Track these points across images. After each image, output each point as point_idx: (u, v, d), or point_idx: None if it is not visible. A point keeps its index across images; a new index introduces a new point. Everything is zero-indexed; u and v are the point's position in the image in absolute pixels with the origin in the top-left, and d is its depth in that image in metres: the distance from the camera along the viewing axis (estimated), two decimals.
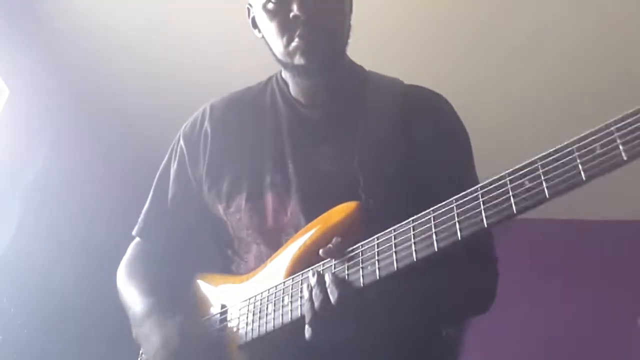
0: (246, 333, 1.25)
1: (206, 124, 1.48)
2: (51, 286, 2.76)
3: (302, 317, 1.15)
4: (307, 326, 1.12)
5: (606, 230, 3.79)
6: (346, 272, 1.11)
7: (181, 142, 1.51)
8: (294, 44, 1.29)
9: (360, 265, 1.10)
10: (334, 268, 1.14)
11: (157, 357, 1.27)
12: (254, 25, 1.42)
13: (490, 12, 2.86)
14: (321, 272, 1.15)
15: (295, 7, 1.26)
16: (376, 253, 1.09)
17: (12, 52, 2.81)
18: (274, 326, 1.20)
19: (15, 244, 2.71)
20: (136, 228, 1.55)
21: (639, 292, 3.51)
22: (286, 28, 1.30)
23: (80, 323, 2.88)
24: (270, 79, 1.51)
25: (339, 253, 1.14)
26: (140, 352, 1.47)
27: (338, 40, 1.35)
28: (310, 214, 1.26)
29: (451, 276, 1.23)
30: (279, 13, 1.30)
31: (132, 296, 1.43)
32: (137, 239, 1.58)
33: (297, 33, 1.28)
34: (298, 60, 1.30)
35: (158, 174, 1.56)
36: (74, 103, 3.22)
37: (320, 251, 1.15)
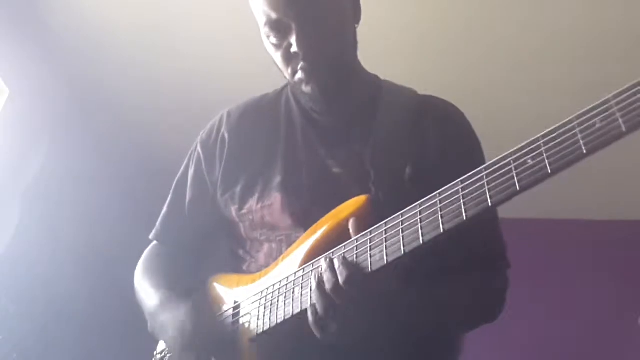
0: (257, 326, 1.27)
1: (223, 130, 1.51)
2: (51, 285, 2.77)
3: (311, 306, 1.16)
4: (314, 316, 1.13)
5: (606, 230, 3.80)
6: (355, 259, 1.13)
7: (198, 148, 1.55)
8: (297, 76, 1.33)
9: (369, 252, 1.11)
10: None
11: (176, 343, 1.29)
12: None
13: (479, 9, 2.88)
14: (331, 257, 1.16)
15: (293, 44, 1.29)
16: (384, 239, 1.10)
17: (12, 52, 2.82)
18: (284, 317, 1.22)
19: (15, 243, 2.71)
20: (153, 232, 1.60)
21: (639, 292, 3.52)
22: (289, 61, 1.33)
23: (80, 322, 2.88)
24: (286, 85, 1.53)
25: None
26: (155, 352, 1.50)
27: (343, 62, 1.36)
28: (321, 214, 1.28)
29: (460, 283, 1.26)
30: (280, 47, 1.32)
31: (147, 292, 1.47)
32: (154, 242, 1.62)
33: (299, 66, 1.31)
34: (305, 88, 1.34)
35: (176, 180, 1.60)
36: (74, 103, 3.23)
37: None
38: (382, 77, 1.51)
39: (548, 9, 2.82)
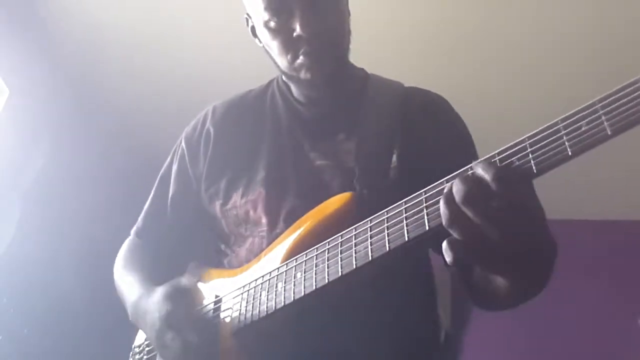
0: (239, 320, 1.26)
1: (208, 124, 1.51)
2: (51, 286, 2.76)
3: (294, 301, 1.15)
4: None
5: (606, 230, 3.79)
6: (339, 255, 1.11)
7: (183, 143, 1.54)
8: (299, 61, 1.31)
9: (354, 249, 1.10)
10: (328, 253, 1.14)
11: (154, 329, 1.27)
12: (254, 34, 1.43)
13: (479, 13, 2.88)
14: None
15: (297, 27, 1.28)
16: (369, 236, 1.09)
17: (12, 52, 2.83)
18: (267, 311, 1.21)
19: (15, 243, 2.72)
20: (135, 228, 1.58)
21: (639, 292, 3.51)
22: (290, 46, 1.31)
23: (80, 322, 2.88)
24: (271, 81, 1.53)
25: None
26: (133, 345, 1.49)
27: (341, 51, 1.37)
28: (305, 209, 1.27)
29: None
30: (281, 31, 1.31)
31: (130, 286, 1.45)
32: (134, 238, 1.60)
33: (302, 51, 1.30)
34: (304, 75, 1.32)
35: (159, 175, 1.59)
36: (74, 103, 3.24)
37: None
38: (391, 77, 1.50)
39: (558, 11, 2.82)
